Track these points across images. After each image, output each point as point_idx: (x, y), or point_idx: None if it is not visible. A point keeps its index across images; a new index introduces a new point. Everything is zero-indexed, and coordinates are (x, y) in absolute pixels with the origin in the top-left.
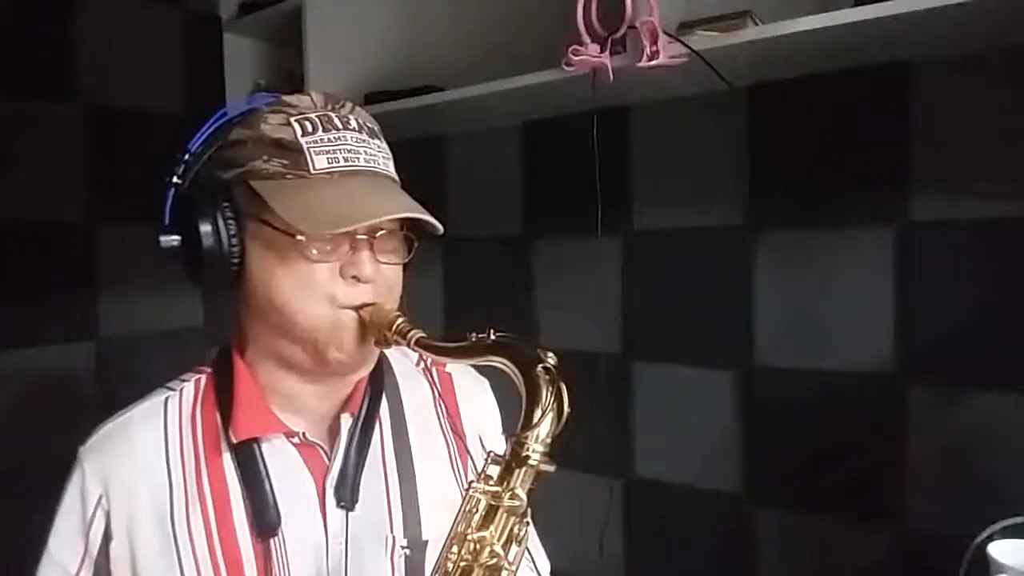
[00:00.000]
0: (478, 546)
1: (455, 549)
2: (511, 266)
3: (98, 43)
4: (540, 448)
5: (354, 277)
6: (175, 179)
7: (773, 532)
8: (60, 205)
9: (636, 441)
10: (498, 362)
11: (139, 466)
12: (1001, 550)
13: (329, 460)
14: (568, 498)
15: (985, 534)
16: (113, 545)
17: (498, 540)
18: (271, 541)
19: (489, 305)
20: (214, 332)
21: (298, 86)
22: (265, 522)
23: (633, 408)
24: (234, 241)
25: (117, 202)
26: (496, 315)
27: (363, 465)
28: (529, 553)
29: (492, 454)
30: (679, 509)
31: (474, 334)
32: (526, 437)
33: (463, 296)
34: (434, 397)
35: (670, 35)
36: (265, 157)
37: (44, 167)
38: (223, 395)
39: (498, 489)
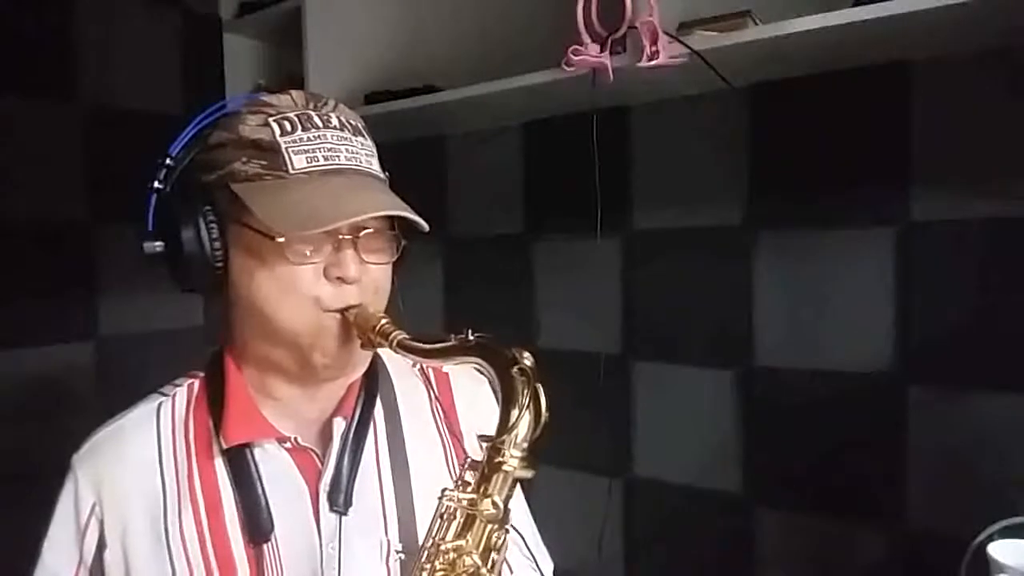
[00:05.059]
0: (455, 555)
1: (430, 559)
2: (511, 266)
3: (98, 43)
4: (517, 454)
5: (339, 278)
6: (157, 184)
7: (773, 532)
8: (60, 205)
9: (636, 441)
10: (475, 363)
11: (132, 473)
12: (1001, 550)
13: (322, 464)
14: (568, 497)
15: (985, 534)
16: (107, 553)
17: (476, 549)
18: (264, 546)
19: (489, 305)
20: (214, 332)
21: (298, 86)
22: (258, 527)
23: (633, 408)
24: (216, 245)
25: (117, 202)
26: (496, 315)
27: (357, 469)
28: (531, 553)
29: (469, 460)
30: (679, 509)
31: (454, 335)
32: (502, 442)
33: (463, 296)
34: (430, 398)
35: (670, 35)
36: (244, 159)
37: (44, 167)
38: (215, 400)
39: (474, 496)
